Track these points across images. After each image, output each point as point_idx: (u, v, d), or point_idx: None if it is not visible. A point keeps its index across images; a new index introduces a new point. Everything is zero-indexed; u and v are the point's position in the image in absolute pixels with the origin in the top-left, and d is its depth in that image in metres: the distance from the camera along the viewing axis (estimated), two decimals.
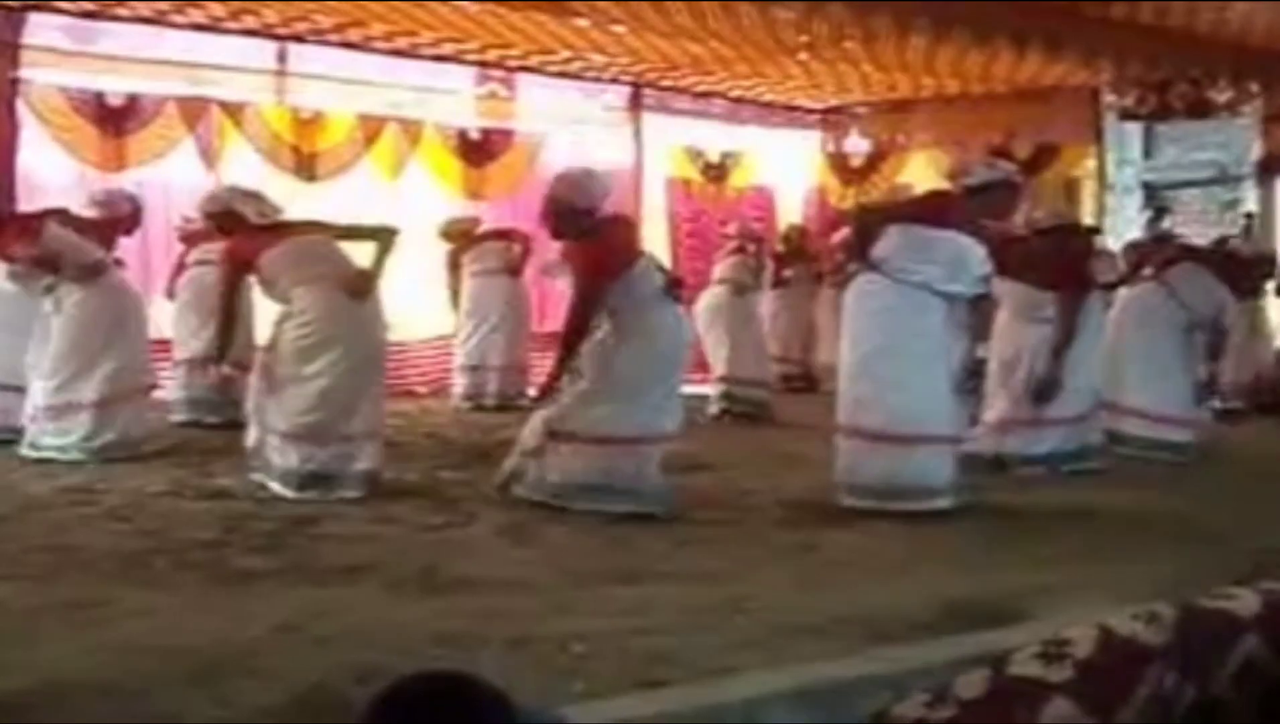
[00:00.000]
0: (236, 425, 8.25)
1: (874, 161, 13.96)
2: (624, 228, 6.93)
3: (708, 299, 10.26)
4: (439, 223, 10.86)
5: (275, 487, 6.50)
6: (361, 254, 6.90)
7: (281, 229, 6.93)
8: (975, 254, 6.53)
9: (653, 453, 6.28)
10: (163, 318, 9.87)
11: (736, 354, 10.12)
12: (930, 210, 6.76)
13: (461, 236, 10.76)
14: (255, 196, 7.20)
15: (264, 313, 8.12)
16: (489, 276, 10.54)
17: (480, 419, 9.85)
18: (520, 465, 6.36)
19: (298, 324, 6.59)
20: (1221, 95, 11.81)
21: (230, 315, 7.07)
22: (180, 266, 9.42)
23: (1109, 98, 12.21)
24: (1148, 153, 12.25)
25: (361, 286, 6.67)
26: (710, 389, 10.29)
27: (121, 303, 7.75)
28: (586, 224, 6.22)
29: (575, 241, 6.33)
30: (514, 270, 10.65)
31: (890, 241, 6.52)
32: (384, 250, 6.87)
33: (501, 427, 9.15)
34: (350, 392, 6.58)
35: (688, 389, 11.06)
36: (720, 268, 10.50)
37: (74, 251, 7.51)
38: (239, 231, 6.91)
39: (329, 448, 6.51)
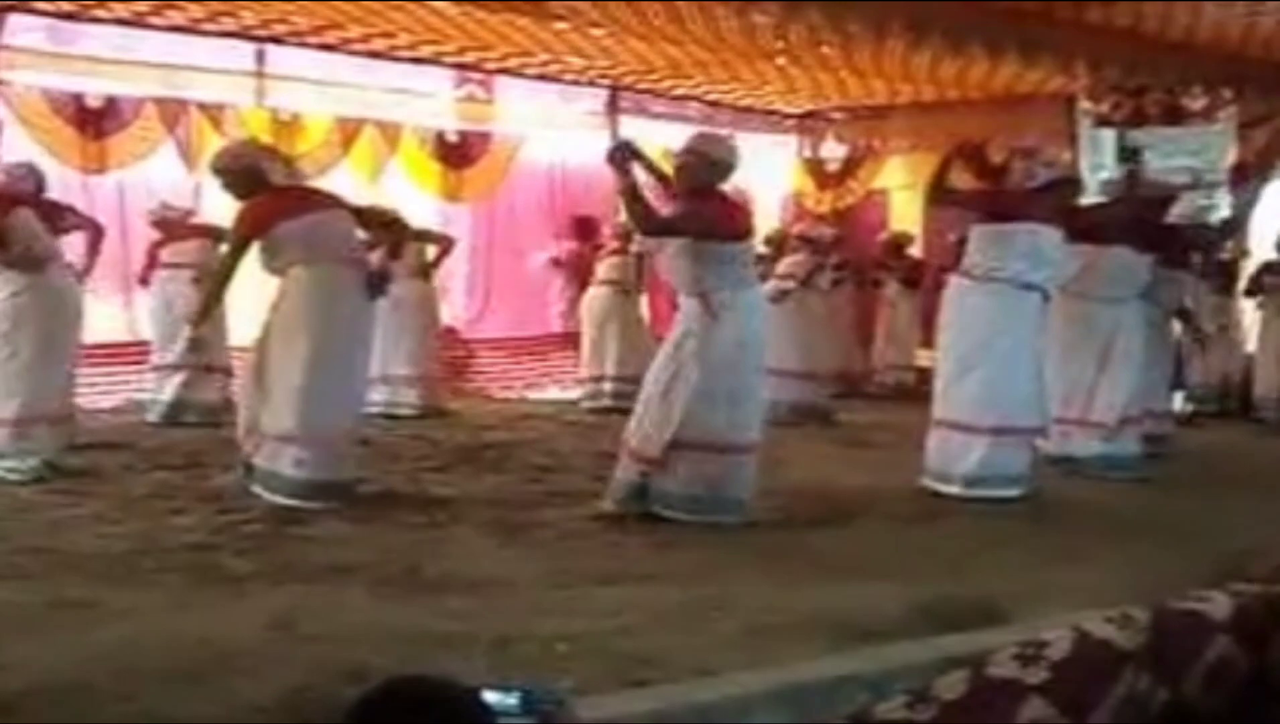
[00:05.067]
0: (216, 426, 8.34)
1: (850, 167, 14.01)
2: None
3: (592, 300, 10.71)
4: None
5: (265, 494, 6.23)
6: None
7: (305, 198, 6.56)
8: (1046, 241, 6.94)
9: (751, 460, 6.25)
10: (143, 319, 9.89)
11: (622, 353, 10.38)
12: (1006, 209, 7.04)
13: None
14: (278, 154, 6.72)
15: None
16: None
17: (473, 418, 9.88)
18: (633, 478, 6.17)
19: (284, 311, 6.30)
20: (1196, 102, 11.89)
21: (228, 277, 6.53)
22: (153, 256, 9.34)
23: (1084, 104, 12.27)
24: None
25: (380, 287, 6.47)
26: (578, 390, 10.89)
27: (57, 308, 7.03)
28: (716, 183, 6.29)
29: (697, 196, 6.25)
30: (424, 273, 10.17)
31: (973, 245, 6.96)
32: (396, 245, 6.68)
33: (488, 429, 9.22)
34: (331, 390, 6.26)
35: (570, 393, 11.33)
36: (602, 268, 10.82)
37: (30, 238, 6.94)
38: (261, 191, 6.46)
39: (306, 451, 6.23)
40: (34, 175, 7.85)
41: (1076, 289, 7.67)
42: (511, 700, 1.79)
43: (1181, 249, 8.52)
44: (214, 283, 6.70)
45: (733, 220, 6.31)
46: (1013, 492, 6.74)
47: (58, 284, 7.10)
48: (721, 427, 6.05)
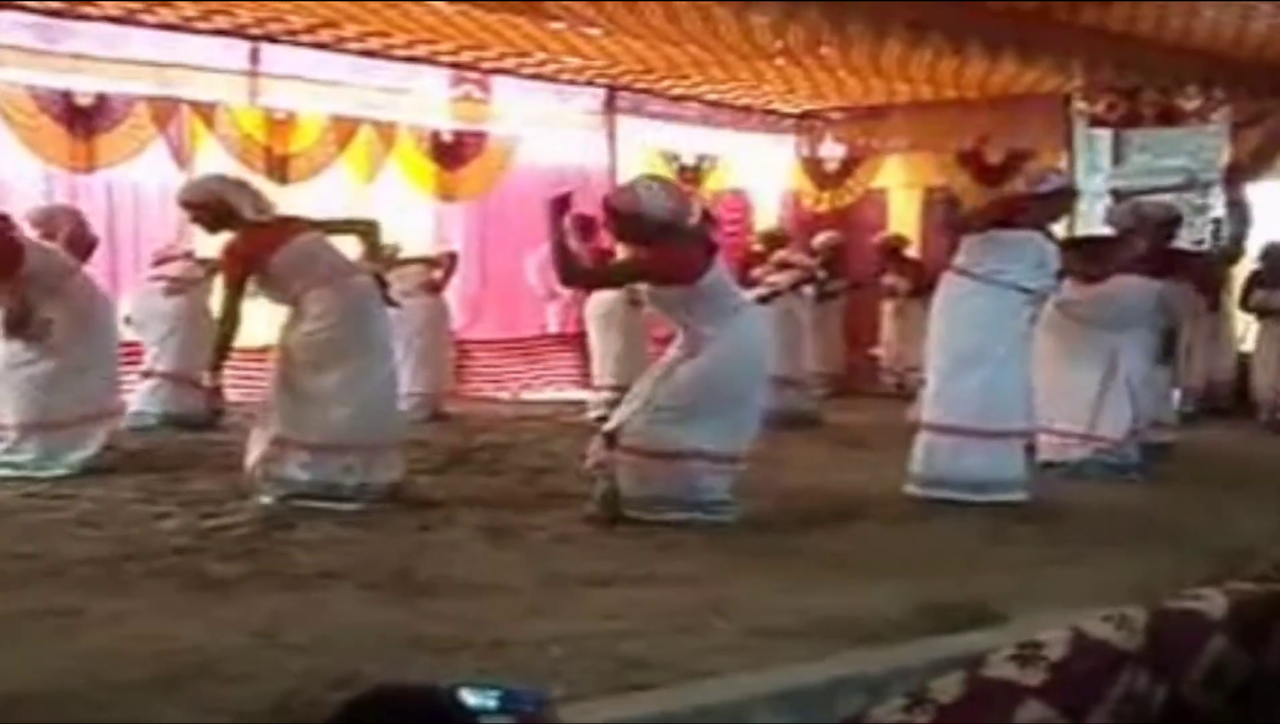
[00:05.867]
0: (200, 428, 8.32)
1: (848, 166, 14.01)
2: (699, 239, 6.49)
3: (600, 306, 10.21)
4: None
5: (268, 500, 6.20)
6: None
7: (281, 226, 6.51)
8: (1050, 249, 6.99)
9: (718, 468, 6.14)
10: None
11: (623, 363, 9.85)
12: (1010, 213, 7.06)
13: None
14: (247, 188, 6.69)
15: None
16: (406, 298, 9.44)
17: (467, 420, 9.82)
18: (602, 486, 6.15)
19: (317, 329, 6.27)
20: (1190, 102, 11.89)
21: (235, 321, 6.38)
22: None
23: (1079, 105, 12.27)
24: (1117, 159, 12.30)
25: (388, 292, 6.62)
26: (590, 395, 10.42)
27: (93, 318, 7.36)
28: (652, 231, 6.04)
29: (645, 246, 6.16)
30: (433, 288, 10.29)
31: (976, 245, 6.92)
32: (372, 245, 6.76)
33: (480, 431, 9.18)
34: (383, 397, 6.46)
35: (564, 394, 11.31)
36: None
37: (43, 271, 7.08)
38: (236, 228, 6.40)
39: (359, 457, 6.29)
40: (67, 216, 8.06)
41: (1080, 312, 7.68)
42: (490, 702, 1.76)
43: (1190, 273, 8.49)
44: (221, 329, 6.50)
45: (674, 267, 6.06)
46: (1011, 496, 6.64)
47: (83, 305, 7.31)
48: (673, 437, 6.01)
